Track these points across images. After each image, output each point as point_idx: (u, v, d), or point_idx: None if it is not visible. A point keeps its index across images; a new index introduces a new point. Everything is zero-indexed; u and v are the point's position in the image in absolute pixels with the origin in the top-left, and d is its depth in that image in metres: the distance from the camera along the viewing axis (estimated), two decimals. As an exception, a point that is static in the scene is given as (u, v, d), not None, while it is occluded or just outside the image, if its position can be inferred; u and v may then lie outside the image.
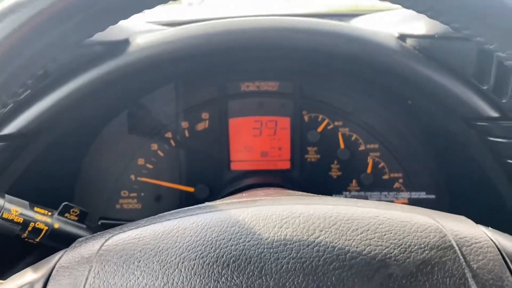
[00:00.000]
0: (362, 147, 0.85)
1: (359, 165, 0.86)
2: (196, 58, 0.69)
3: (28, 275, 0.39)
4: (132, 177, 0.87)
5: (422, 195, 0.85)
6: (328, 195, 0.86)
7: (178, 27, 0.69)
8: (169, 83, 0.81)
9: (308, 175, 0.87)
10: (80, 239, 0.42)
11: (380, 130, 0.84)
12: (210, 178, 0.87)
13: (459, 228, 0.38)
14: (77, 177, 0.84)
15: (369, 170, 0.86)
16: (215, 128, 0.86)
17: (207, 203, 0.48)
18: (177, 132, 0.86)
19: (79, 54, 0.65)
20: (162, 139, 0.86)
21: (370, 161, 0.85)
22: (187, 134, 0.86)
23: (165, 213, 0.43)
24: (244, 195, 0.55)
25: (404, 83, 0.66)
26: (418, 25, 0.64)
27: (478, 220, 0.41)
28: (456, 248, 0.36)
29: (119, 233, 0.40)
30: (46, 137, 0.65)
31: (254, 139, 0.87)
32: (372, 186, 0.86)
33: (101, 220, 0.83)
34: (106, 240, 0.39)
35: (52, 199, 0.70)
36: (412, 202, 0.86)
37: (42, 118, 0.63)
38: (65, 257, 0.39)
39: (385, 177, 0.86)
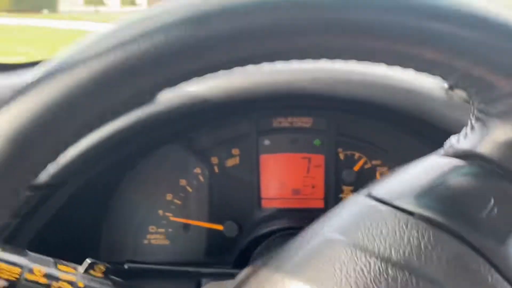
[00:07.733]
0: None
1: None
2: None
3: None
4: (160, 212, 0.85)
5: None
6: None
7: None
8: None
9: None
10: None
11: None
12: (239, 216, 0.84)
13: None
14: (103, 217, 0.82)
15: None
16: (246, 164, 0.82)
17: None
18: (206, 168, 0.83)
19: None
20: (191, 175, 0.84)
21: None
22: (216, 170, 0.83)
23: None
24: None
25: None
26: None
27: None
28: None
29: None
30: (71, 186, 0.63)
31: (286, 176, 0.83)
32: None
33: (128, 264, 0.81)
34: None
35: (78, 244, 0.68)
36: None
37: (70, 168, 0.61)
38: None
39: None
